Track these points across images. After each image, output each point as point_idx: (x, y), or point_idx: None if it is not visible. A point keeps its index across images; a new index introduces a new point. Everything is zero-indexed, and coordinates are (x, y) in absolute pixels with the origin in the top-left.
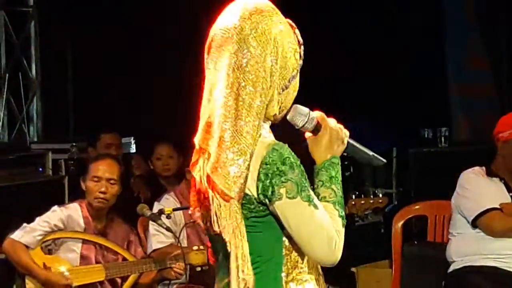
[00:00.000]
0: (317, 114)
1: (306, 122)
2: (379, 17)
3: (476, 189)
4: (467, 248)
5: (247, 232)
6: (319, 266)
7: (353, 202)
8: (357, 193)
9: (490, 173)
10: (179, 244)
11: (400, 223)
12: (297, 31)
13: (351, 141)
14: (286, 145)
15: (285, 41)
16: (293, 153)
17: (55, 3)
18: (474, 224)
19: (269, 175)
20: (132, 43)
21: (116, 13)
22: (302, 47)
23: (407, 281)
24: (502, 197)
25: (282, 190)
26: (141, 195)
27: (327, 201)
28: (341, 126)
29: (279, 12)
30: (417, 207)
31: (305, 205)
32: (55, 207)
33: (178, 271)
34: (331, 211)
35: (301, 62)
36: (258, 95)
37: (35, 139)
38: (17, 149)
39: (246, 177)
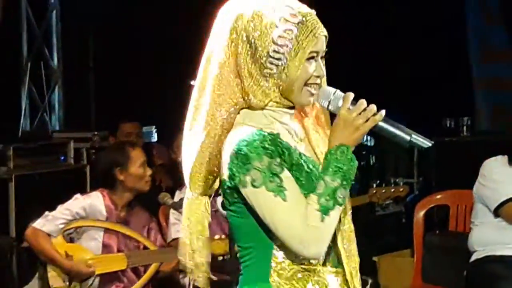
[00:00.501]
0: (341, 96)
1: (329, 104)
2: (400, 5)
3: (498, 178)
4: (489, 238)
5: (233, 217)
6: (343, 257)
7: (374, 191)
8: (378, 182)
9: None
10: None
11: (422, 213)
12: (279, 15)
13: (382, 124)
14: (266, 133)
15: (254, 24)
16: (273, 141)
17: None
18: (496, 213)
19: (236, 163)
20: (154, 31)
21: (138, 1)
22: (288, 31)
23: (429, 271)
24: None
25: (248, 178)
26: (162, 184)
27: (314, 193)
28: (369, 109)
29: None
30: (438, 196)
31: (269, 195)
32: (77, 195)
33: None
34: (311, 203)
35: (274, 47)
36: (216, 84)
37: (57, 128)
38: (39, 138)
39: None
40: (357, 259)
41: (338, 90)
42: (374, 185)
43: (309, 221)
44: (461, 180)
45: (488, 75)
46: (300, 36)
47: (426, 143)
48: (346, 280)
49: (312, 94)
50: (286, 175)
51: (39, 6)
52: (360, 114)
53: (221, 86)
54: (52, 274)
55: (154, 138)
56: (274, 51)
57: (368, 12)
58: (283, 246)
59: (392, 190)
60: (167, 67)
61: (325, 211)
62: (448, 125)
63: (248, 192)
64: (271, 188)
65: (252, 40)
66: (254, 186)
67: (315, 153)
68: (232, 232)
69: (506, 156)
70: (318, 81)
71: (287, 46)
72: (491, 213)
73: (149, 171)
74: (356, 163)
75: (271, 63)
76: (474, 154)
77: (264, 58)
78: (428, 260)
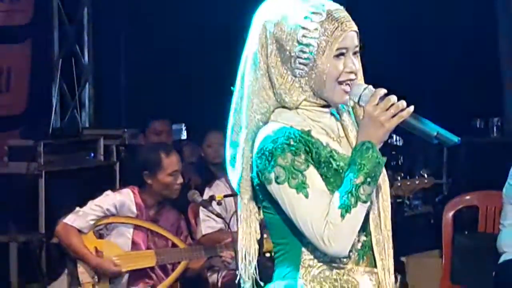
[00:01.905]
0: (371, 92)
1: (359, 99)
2: (429, 3)
3: None
4: None
5: (265, 213)
6: (377, 258)
7: (399, 184)
8: (402, 174)
9: None
10: (229, 230)
11: (451, 213)
12: (302, 15)
13: (409, 120)
14: (294, 130)
15: (281, 27)
16: (299, 137)
17: None
18: None
19: (262, 159)
20: (185, 29)
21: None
22: (312, 30)
23: (457, 272)
24: None
25: (272, 175)
26: (191, 181)
27: (338, 190)
28: (396, 105)
29: None
30: (468, 197)
31: (292, 192)
32: (108, 192)
33: (226, 260)
34: (334, 201)
35: (300, 47)
36: (251, 89)
37: (87, 125)
38: (69, 134)
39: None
40: (391, 260)
41: (370, 86)
42: (399, 178)
43: (330, 218)
44: (490, 181)
45: None
46: (326, 33)
47: (452, 139)
48: (379, 281)
49: (346, 92)
50: (310, 172)
51: (71, 3)
52: (387, 110)
53: (256, 91)
54: (82, 270)
55: (184, 135)
56: (301, 51)
57: (403, 12)
58: (310, 244)
59: (417, 182)
60: (197, 65)
61: (346, 208)
62: (478, 125)
63: (273, 188)
64: (293, 185)
65: (281, 43)
66: (277, 182)
67: None
68: (267, 230)
69: None
70: (352, 76)
71: (313, 45)
72: None
73: (179, 180)
74: (383, 159)
75: (300, 63)
76: (504, 155)
77: (293, 59)
78: (457, 261)
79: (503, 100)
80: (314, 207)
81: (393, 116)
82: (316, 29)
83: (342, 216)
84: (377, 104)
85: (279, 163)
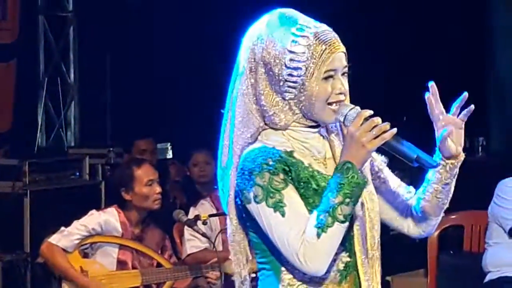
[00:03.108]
0: (356, 112)
1: (345, 119)
2: (418, 22)
3: None
4: (504, 258)
5: (249, 233)
6: (361, 278)
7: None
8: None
9: None
10: (213, 249)
11: (436, 233)
12: (290, 39)
13: (391, 142)
14: (274, 150)
15: (269, 51)
16: (279, 157)
17: (94, 9)
18: (511, 234)
19: (241, 179)
20: (170, 48)
21: (155, 19)
22: (299, 54)
23: None
24: None
25: (251, 195)
26: (177, 200)
27: (316, 209)
28: (379, 127)
29: (274, 18)
30: (453, 216)
31: (269, 211)
32: (93, 211)
33: (212, 281)
34: (311, 219)
35: (288, 71)
36: (238, 113)
37: (73, 144)
38: (55, 153)
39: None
40: (378, 280)
41: (357, 107)
42: None
43: (306, 236)
44: (476, 200)
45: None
46: (313, 56)
47: (431, 163)
48: None
49: (335, 112)
50: (288, 191)
51: (57, 22)
52: (369, 131)
53: (243, 115)
54: None
55: (169, 155)
56: (289, 74)
57: (383, 30)
58: (289, 263)
59: None
60: (183, 84)
61: (322, 227)
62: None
63: (252, 207)
64: (271, 204)
65: (269, 67)
66: (256, 201)
67: None
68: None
69: None
70: (341, 97)
71: (301, 68)
72: (506, 234)
73: (156, 189)
74: (364, 180)
75: (289, 86)
76: (489, 174)
77: (282, 83)
78: (442, 281)
79: (488, 120)
80: (290, 226)
81: (376, 137)
82: (303, 52)
83: (318, 235)
84: (361, 125)
85: (257, 183)
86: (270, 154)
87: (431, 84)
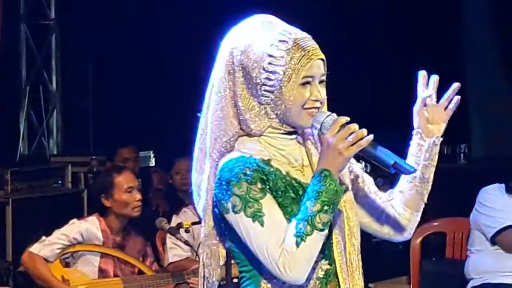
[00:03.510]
0: (332, 119)
1: (321, 126)
2: (395, 29)
3: (495, 206)
4: (486, 265)
5: (228, 242)
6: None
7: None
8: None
9: (509, 190)
10: (196, 258)
11: (419, 240)
12: (269, 43)
13: (368, 149)
14: (251, 159)
15: (247, 55)
16: (256, 167)
17: (76, 17)
18: (493, 241)
19: (219, 189)
20: (153, 57)
21: (137, 27)
22: (278, 58)
23: None
24: None
25: (229, 205)
26: (159, 208)
27: (295, 218)
28: (355, 134)
29: (254, 23)
30: (435, 223)
31: (248, 221)
32: (74, 220)
33: (194, 286)
34: (290, 228)
35: (266, 75)
36: (215, 116)
37: (55, 152)
38: (37, 162)
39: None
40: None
41: (333, 114)
42: None
43: (285, 245)
44: (458, 208)
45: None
46: (292, 61)
47: (409, 169)
48: None
49: (312, 116)
50: (267, 200)
51: (39, 30)
52: (346, 138)
53: (220, 118)
54: None
55: (152, 162)
56: (267, 78)
57: (364, 37)
58: (268, 272)
59: None
60: (165, 92)
61: (301, 236)
62: (445, 152)
63: (230, 217)
64: (249, 214)
65: (247, 70)
66: (234, 212)
67: None
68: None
69: (503, 184)
70: (317, 104)
71: (279, 73)
72: (488, 241)
73: (136, 197)
74: (341, 188)
75: (266, 91)
76: (471, 181)
77: (259, 86)
78: (425, 287)
79: (470, 127)
80: (269, 235)
81: (352, 144)
82: (282, 57)
83: (297, 244)
84: (337, 132)
85: (235, 192)
86: (247, 164)
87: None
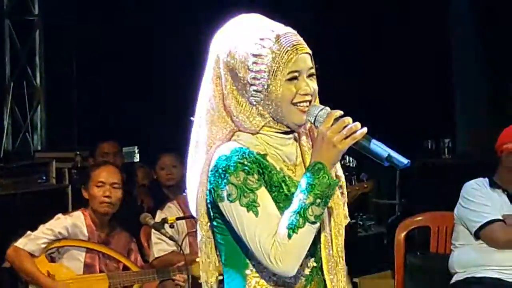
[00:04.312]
0: (326, 113)
1: (315, 120)
2: (380, 26)
3: (479, 200)
4: (470, 260)
5: (215, 233)
6: (327, 281)
7: (357, 187)
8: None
9: (493, 185)
10: (180, 251)
11: (403, 234)
12: (252, 42)
13: (362, 142)
14: (248, 150)
15: (233, 56)
16: (253, 158)
17: (60, 12)
18: (477, 235)
19: (215, 177)
20: (137, 53)
21: (121, 23)
22: (262, 56)
23: None
24: (505, 208)
25: (224, 193)
26: (144, 204)
27: (288, 210)
28: (349, 127)
29: (239, 23)
30: (420, 218)
31: (243, 210)
32: (59, 215)
33: (179, 283)
34: (283, 220)
35: (252, 74)
36: (209, 118)
37: (39, 148)
38: (21, 157)
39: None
40: (343, 285)
41: (327, 107)
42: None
43: (277, 237)
44: (442, 202)
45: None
46: (276, 58)
47: (403, 162)
48: None
49: (303, 112)
50: (262, 192)
51: (23, 26)
52: (340, 131)
53: (214, 120)
54: None
55: (136, 158)
56: (254, 78)
57: (350, 33)
58: (258, 265)
59: (357, 188)
60: (150, 88)
61: (293, 228)
62: (429, 147)
63: (224, 206)
64: (244, 203)
65: (235, 72)
66: (229, 200)
67: None
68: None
69: (487, 179)
70: (307, 98)
71: (264, 71)
72: (472, 235)
73: (105, 193)
74: (334, 181)
75: (255, 90)
76: (455, 176)
77: (247, 87)
78: (409, 282)
79: (454, 122)
80: (263, 226)
81: (346, 137)
82: (266, 55)
83: (289, 236)
84: (331, 125)
85: (231, 181)
86: (246, 154)
87: None
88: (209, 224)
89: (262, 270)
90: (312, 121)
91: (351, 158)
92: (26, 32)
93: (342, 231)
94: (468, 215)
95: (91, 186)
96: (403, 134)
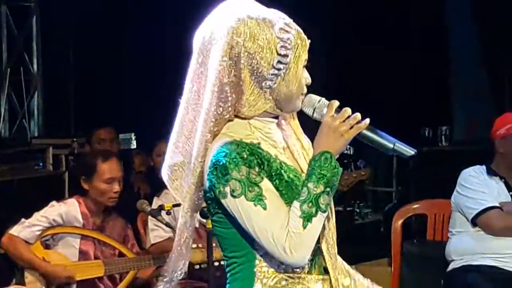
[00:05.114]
0: (326, 103)
1: (314, 112)
2: (378, 16)
3: (476, 188)
4: (467, 247)
5: (216, 228)
6: (329, 265)
7: (354, 175)
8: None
9: (490, 172)
10: None
11: (400, 222)
12: (277, 26)
13: (366, 132)
14: (245, 143)
15: (255, 41)
16: (252, 151)
17: None
18: (474, 222)
19: (215, 174)
20: (134, 39)
21: (118, 9)
22: (289, 41)
23: (406, 280)
24: (502, 196)
25: (227, 189)
26: (141, 191)
27: (297, 200)
28: (353, 117)
29: (251, 8)
30: (417, 205)
31: (249, 205)
32: (54, 202)
33: None
34: (294, 210)
35: (279, 58)
36: (213, 100)
37: (36, 134)
38: (18, 144)
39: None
40: (341, 266)
41: (323, 98)
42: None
43: (291, 227)
44: (439, 190)
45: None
46: (296, 44)
47: (409, 151)
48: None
49: (302, 101)
50: (265, 184)
51: (20, 12)
52: (344, 121)
53: (219, 102)
54: (30, 280)
55: (133, 145)
56: (278, 62)
57: (347, 22)
58: (265, 255)
59: (354, 175)
60: (147, 74)
61: (307, 217)
62: (426, 134)
63: (228, 202)
64: (250, 198)
65: (254, 56)
66: (233, 196)
67: (296, 161)
68: (217, 242)
69: (484, 166)
70: (306, 89)
71: (288, 56)
72: (469, 223)
73: (115, 188)
74: (340, 170)
75: (273, 74)
76: (453, 164)
77: (267, 70)
78: (406, 269)
79: (451, 109)
80: (273, 218)
81: (351, 127)
82: (290, 40)
83: (304, 226)
84: (333, 116)
85: (234, 177)
86: (243, 148)
87: None
88: (196, 214)
89: (271, 259)
90: (310, 113)
91: (348, 146)
92: (23, 19)
93: (333, 214)
94: (465, 202)
95: (98, 181)
96: (400, 122)
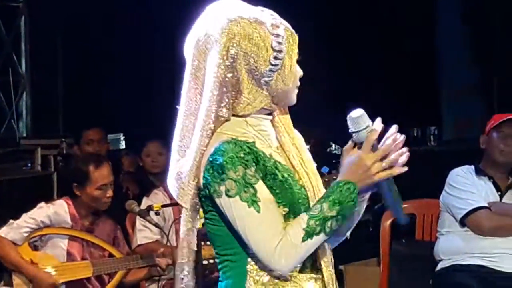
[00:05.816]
0: (369, 131)
1: (355, 134)
2: (369, 16)
3: (465, 187)
4: (455, 247)
5: (208, 225)
6: (322, 263)
7: (326, 179)
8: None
9: (479, 172)
10: (167, 240)
11: (389, 222)
12: (268, 23)
13: (386, 184)
14: (242, 142)
15: (250, 39)
16: (248, 150)
17: None
18: (463, 222)
19: (211, 172)
20: (122, 39)
21: (106, 9)
22: (282, 37)
23: (395, 280)
24: (491, 196)
25: (222, 188)
26: (130, 191)
27: (307, 213)
28: (388, 159)
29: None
30: (405, 205)
31: (243, 206)
32: (42, 204)
33: (162, 266)
34: (300, 221)
35: (275, 54)
36: (212, 101)
37: (24, 135)
38: (6, 144)
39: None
40: (333, 265)
41: (370, 124)
42: (325, 173)
43: (290, 235)
44: (427, 190)
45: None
46: (289, 40)
47: (404, 219)
48: (325, 286)
49: (350, 120)
50: (260, 185)
51: (8, 12)
52: (380, 161)
53: (218, 105)
54: (17, 282)
55: (122, 145)
56: (274, 57)
57: (337, 21)
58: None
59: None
60: (136, 75)
61: (310, 233)
62: (415, 134)
63: (222, 201)
64: (245, 199)
65: (250, 55)
66: (228, 196)
67: (288, 159)
68: (209, 239)
69: (472, 166)
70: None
71: (283, 51)
72: (457, 223)
73: (107, 193)
74: (357, 207)
75: (270, 71)
76: (441, 164)
77: (264, 68)
78: (395, 269)
79: (440, 109)
80: (267, 222)
81: (383, 170)
82: (283, 36)
83: (304, 240)
84: (371, 151)
85: (230, 176)
86: (241, 147)
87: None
88: (194, 213)
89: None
90: (352, 131)
91: (337, 146)
92: (11, 19)
93: None
94: (453, 202)
95: (91, 188)
96: (389, 122)
